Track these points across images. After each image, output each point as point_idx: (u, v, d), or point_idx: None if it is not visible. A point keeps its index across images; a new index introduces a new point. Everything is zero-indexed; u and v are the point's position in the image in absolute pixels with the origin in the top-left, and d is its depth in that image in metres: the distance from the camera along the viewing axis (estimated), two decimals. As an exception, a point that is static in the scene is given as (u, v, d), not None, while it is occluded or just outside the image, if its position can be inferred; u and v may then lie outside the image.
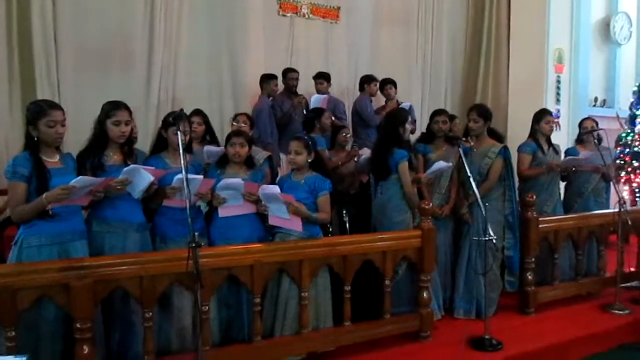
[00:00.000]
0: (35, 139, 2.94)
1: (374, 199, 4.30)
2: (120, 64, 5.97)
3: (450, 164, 4.36)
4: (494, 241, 3.83)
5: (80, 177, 2.91)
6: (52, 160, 3.01)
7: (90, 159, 3.19)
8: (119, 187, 3.09)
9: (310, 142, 3.70)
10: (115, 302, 3.18)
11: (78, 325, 2.78)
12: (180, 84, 6.29)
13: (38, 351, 2.84)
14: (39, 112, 2.93)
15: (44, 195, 2.85)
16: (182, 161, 2.87)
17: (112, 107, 3.24)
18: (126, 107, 3.28)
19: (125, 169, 3.11)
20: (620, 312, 4.56)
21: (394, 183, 4.13)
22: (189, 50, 6.36)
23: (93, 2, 5.77)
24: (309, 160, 3.66)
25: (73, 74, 5.63)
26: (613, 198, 5.02)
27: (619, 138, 7.55)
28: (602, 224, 4.95)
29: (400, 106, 6.20)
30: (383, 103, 6.78)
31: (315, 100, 5.94)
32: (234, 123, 4.57)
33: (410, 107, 6.35)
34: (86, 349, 2.79)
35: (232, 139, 3.67)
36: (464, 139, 4.66)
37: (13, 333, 2.68)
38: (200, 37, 6.46)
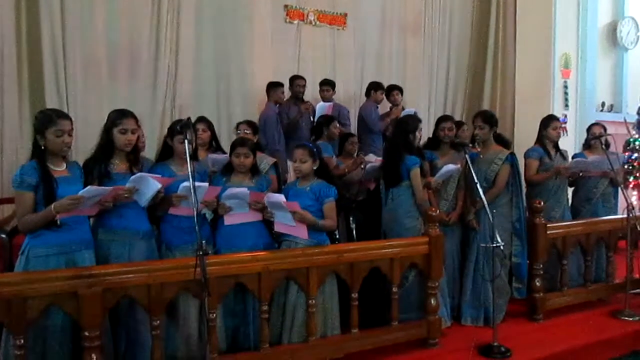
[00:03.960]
0: (43, 147, 2.94)
1: (384, 206, 4.26)
2: (127, 73, 6.01)
3: (459, 166, 4.36)
4: (502, 247, 3.82)
5: (88, 187, 2.91)
6: (59, 169, 3.01)
7: (96, 167, 3.19)
8: (126, 195, 3.08)
9: (315, 150, 3.71)
10: (122, 311, 3.17)
11: (87, 334, 2.78)
12: (187, 92, 6.31)
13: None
14: (47, 121, 2.93)
15: (52, 206, 2.84)
16: (189, 169, 2.88)
17: (119, 116, 3.24)
18: (132, 116, 3.29)
19: (133, 177, 3.11)
20: (631, 318, 4.50)
21: (405, 189, 4.12)
22: (196, 57, 6.38)
23: (100, 12, 5.81)
24: (314, 168, 3.67)
25: (81, 83, 5.67)
26: (622, 203, 5.00)
27: (627, 143, 7.51)
28: (611, 230, 4.91)
29: (404, 112, 6.19)
30: (388, 109, 6.78)
31: (321, 107, 5.94)
32: (238, 131, 4.56)
33: (415, 113, 6.33)
34: (94, 357, 2.80)
35: (236, 149, 3.67)
36: (470, 145, 4.65)
37: (22, 341, 2.68)
38: (207, 44, 6.48)
